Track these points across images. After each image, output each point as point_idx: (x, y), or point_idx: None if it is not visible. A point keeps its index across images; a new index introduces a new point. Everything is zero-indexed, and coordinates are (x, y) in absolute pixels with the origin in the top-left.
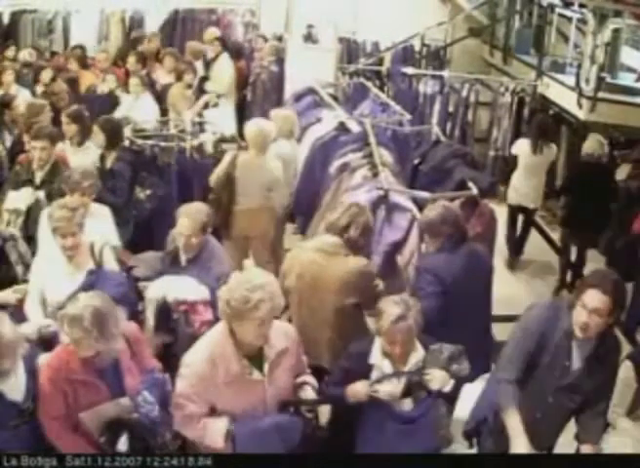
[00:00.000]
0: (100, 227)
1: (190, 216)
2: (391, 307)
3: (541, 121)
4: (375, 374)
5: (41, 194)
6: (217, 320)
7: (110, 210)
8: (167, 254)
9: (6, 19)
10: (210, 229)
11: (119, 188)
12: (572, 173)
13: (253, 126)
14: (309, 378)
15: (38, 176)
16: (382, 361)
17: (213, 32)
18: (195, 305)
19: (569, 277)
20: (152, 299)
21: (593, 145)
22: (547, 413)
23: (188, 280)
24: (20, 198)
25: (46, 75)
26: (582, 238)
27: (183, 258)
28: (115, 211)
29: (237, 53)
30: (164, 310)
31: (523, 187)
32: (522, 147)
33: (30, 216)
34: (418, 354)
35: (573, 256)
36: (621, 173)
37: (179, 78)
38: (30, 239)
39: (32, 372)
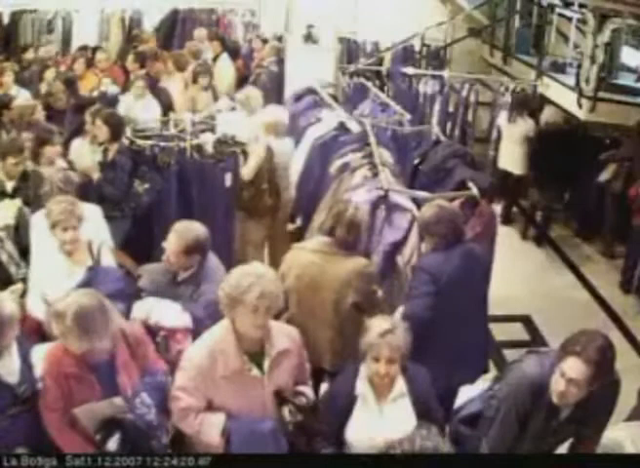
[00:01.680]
0: (91, 228)
1: (178, 234)
2: (379, 321)
3: (518, 95)
4: (359, 404)
5: (18, 202)
6: None
7: (109, 202)
8: (168, 271)
9: (6, 19)
10: (199, 254)
11: (119, 179)
12: (540, 139)
13: (272, 114)
14: (307, 391)
15: (9, 186)
16: (367, 389)
17: (199, 34)
18: (174, 333)
19: None
20: (136, 319)
21: (552, 114)
22: (551, 445)
23: (172, 305)
24: (3, 212)
25: (49, 74)
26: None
27: (180, 277)
28: (113, 203)
29: (236, 52)
30: (147, 331)
31: (507, 154)
32: (503, 117)
33: (20, 225)
34: (400, 386)
35: None
36: (608, 172)
37: (194, 80)
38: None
39: (25, 356)
